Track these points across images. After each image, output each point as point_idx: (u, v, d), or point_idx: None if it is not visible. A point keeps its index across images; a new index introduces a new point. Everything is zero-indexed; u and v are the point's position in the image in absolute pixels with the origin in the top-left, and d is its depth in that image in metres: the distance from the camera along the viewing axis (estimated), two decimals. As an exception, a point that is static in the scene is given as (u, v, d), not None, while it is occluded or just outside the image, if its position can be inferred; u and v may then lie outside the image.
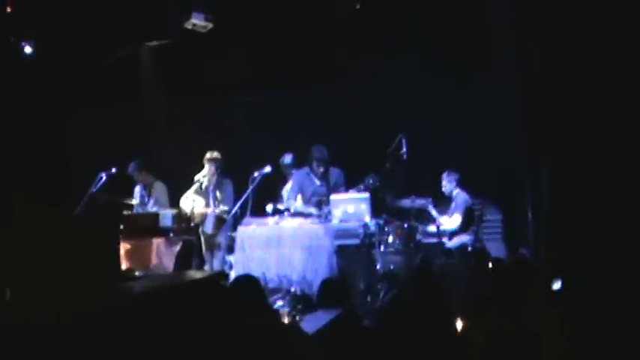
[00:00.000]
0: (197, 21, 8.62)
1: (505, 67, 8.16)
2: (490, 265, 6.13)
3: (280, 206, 8.13)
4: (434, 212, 8.02)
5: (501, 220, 8.54)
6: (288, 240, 7.00)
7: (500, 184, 8.41)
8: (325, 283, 5.07)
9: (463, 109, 8.71)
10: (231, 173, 8.19)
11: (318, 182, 7.76)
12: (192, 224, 7.97)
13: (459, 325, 4.47)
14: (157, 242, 7.82)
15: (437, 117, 8.65)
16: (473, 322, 4.40)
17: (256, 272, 6.34)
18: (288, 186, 8.18)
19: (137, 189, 8.66)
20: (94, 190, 8.09)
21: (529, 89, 7.73)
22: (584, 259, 5.56)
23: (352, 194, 7.49)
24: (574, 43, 6.24)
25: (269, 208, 8.07)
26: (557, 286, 5.08)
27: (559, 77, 6.59)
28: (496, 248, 7.96)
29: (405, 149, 7.52)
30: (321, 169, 7.68)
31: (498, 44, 8.25)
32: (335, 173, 7.77)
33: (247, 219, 7.42)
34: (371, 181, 7.42)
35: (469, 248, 7.85)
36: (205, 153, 8.11)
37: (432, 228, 8.03)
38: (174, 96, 9.86)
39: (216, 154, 8.09)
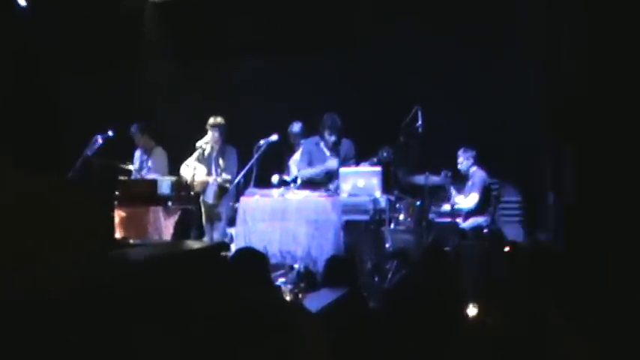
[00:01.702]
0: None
1: (530, 40, 8.07)
2: (506, 248, 6.11)
3: (287, 177, 8.11)
4: (452, 190, 7.98)
5: (520, 202, 8.51)
6: (293, 213, 6.97)
7: (519, 163, 8.36)
8: (331, 261, 5.05)
9: (482, 83, 8.64)
10: (236, 141, 8.16)
11: (328, 153, 7.71)
12: (192, 193, 7.95)
13: (470, 309, 4.46)
14: (155, 210, 7.82)
15: (454, 90, 8.58)
16: (485, 307, 4.38)
17: (258, 246, 6.22)
18: (296, 156, 8.15)
19: (137, 154, 8.65)
20: (89, 153, 8.07)
21: (554, 62, 7.64)
22: (609, 248, 5.50)
23: (363, 167, 7.45)
24: (604, 18, 6.14)
25: (275, 179, 8.05)
26: (577, 277, 5.03)
27: (587, 50, 6.51)
28: (513, 232, 7.94)
29: (420, 122, 7.47)
30: (333, 139, 7.63)
31: (523, 17, 8.15)
32: (346, 144, 7.73)
33: (251, 189, 7.40)
34: (385, 154, 7.37)
35: (484, 230, 7.81)
36: (209, 118, 8.07)
37: (445, 207, 8.00)
38: (179, 58, 9.81)
39: (219, 120, 8.06)
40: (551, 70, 7.70)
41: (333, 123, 7.62)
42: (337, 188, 7.38)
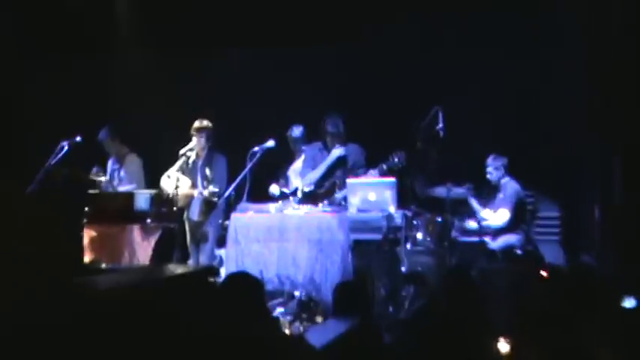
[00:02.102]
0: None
1: (570, 36, 8.09)
2: (544, 272, 6.08)
3: (285, 190, 8.09)
4: (474, 204, 7.97)
5: (559, 218, 8.50)
6: (292, 232, 6.96)
7: (558, 173, 8.34)
8: (340, 288, 5.03)
9: (513, 81, 8.65)
10: (225, 147, 8.14)
11: (329, 162, 7.72)
12: (174, 208, 7.92)
13: (502, 345, 4.44)
14: (130, 229, 7.79)
15: (480, 88, 8.59)
16: (520, 343, 4.37)
17: (252, 270, 6.28)
18: (296, 165, 8.14)
19: (109, 163, 8.64)
20: (53, 162, 8.05)
21: (598, 61, 7.67)
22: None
23: (374, 178, 7.43)
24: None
25: (274, 189, 8.04)
26: (628, 304, 5.01)
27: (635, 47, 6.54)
28: (551, 252, 7.93)
29: (441, 125, 7.45)
30: (336, 148, 7.64)
31: (564, 10, 8.18)
32: (353, 150, 7.72)
33: (243, 204, 7.38)
34: (396, 160, 7.37)
35: (518, 251, 7.79)
36: (193, 122, 8.06)
37: (471, 224, 7.98)
38: (157, 51, 9.81)
39: (206, 123, 8.05)
40: (596, 64, 7.71)
41: (334, 128, 7.66)
42: (343, 201, 7.38)
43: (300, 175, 7.97)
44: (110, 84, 9.81)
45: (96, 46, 9.72)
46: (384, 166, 7.47)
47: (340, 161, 7.73)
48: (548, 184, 8.40)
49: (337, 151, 7.67)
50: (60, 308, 2.31)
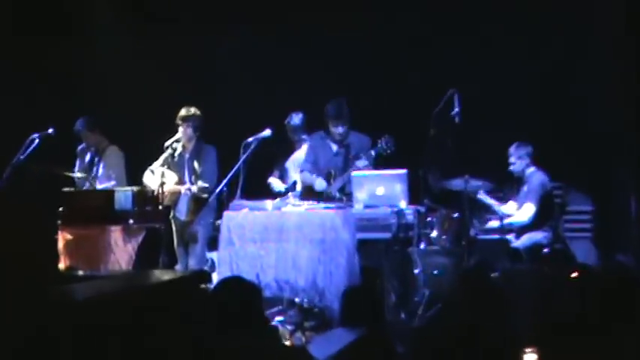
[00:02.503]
0: None
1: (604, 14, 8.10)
2: (574, 274, 6.08)
3: (281, 187, 8.11)
4: (487, 199, 7.98)
5: (591, 213, 8.51)
6: (292, 231, 6.95)
7: (589, 163, 8.34)
8: (349, 294, 5.05)
9: (538, 60, 8.67)
10: (215, 138, 8.15)
11: (335, 148, 7.73)
12: (159, 207, 7.93)
13: (528, 356, 4.45)
14: (111, 231, 7.81)
15: (501, 69, 8.61)
16: (548, 354, 4.37)
17: (248, 275, 6.32)
18: (297, 155, 8.18)
19: (86, 157, 8.65)
20: (22, 157, 8.06)
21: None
22: None
23: (382, 171, 7.45)
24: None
25: (275, 183, 8.06)
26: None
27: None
28: (583, 251, 7.95)
29: (457, 109, 7.46)
30: (340, 130, 7.64)
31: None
32: (357, 139, 7.73)
33: (237, 201, 7.38)
34: (384, 144, 7.40)
35: (544, 249, 7.80)
36: (179, 110, 8.07)
37: (493, 223, 8.01)
38: (138, 30, 9.80)
39: (193, 111, 8.06)
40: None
41: (338, 111, 7.65)
42: (340, 193, 7.42)
43: (300, 168, 7.97)
44: (85, 68, 9.81)
45: (69, 26, 9.71)
46: (372, 153, 7.48)
47: (344, 149, 7.73)
48: (578, 175, 8.39)
49: (319, 184, 7.67)
50: (31, 323, 2.29)
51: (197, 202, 7.91)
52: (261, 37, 9.35)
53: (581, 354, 4.08)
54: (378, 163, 7.56)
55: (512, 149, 8.11)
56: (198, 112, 8.06)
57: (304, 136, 8.20)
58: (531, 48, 8.64)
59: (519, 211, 7.99)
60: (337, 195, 7.52)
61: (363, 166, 7.51)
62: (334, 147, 7.80)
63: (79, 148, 8.67)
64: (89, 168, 8.59)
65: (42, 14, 9.56)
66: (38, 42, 9.58)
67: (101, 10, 10.00)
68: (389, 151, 7.49)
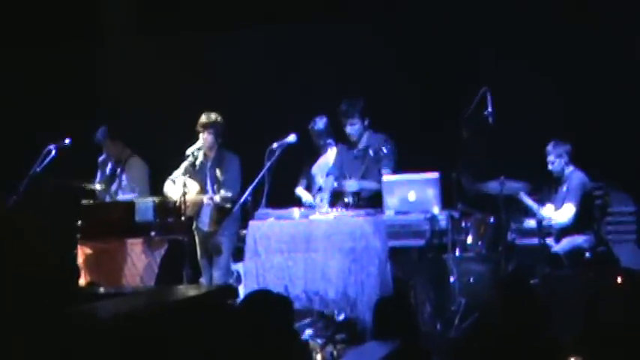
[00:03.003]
0: None
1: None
2: (619, 279, 6.03)
3: (308, 198, 8.13)
4: (528, 201, 7.94)
5: (635, 214, 8.46)
6: (321, 240, 6.94)
7: (631, 161, 8.29)
8: (381, 304, 5.03)
9: (574, 53, 8.61)
10: (238, 145, 8.15)
11: (354, 152, 7.76)
12: (182, 218, 7.94)
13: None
14: (132, 244, 7.84)
15: (536, 65, 8.58)
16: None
17: (276, 287, 6.32)
18: (323, 160, 8.21)
19: (107, 168, 8.67)
20: (39, 169, 8.10)
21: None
22: None
23: (414, 175, 7.43)
24: None
25: (304, 194, 8.06)
26: None
27: None
28: (627, 255, 7.89)
29: (490, 109, 7.43)
30: (350, 129, 7.67)
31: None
32: (375, 140, 7.70)
33: (262, 210, 7.38)
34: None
35: (587, 254, 7.75)
36: (200, 116, 8.08)
37: (530, 223, 7.94)
38: (155, 37, 9.83)
39: (214, 117, 8.06)
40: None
41: (347, 107, 7.66)
42: (352, 197, 7.44)
43: (327, 172, 7.97)
44: (101, 76, 9.86)
45: (83, 34, 9.77)
46: (385, 150, 7.50)
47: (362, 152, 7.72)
48: (620, 175, 8.34)
49: (351, 185, 7.65)
50: (49, 345, 2.28)
51: (220, 212, 7.91)
52: (284, 39, 9.37)
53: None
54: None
55: (550, 147, 8.06)
56: (219, 119, 8.06)
57: (329, 141, 8.19)
58: (568, 43, 8.59)
59: (559, 212, 7.94)
60: (351, 200, 7.48)
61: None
62: (354, 151, 7.81)
63: (100, 159, 8.68)
64: (110, 180, 8.60)
65: (55, 22, 9.61)
66: (52, 51, 9.65)
67: (116, 16, 10.03)
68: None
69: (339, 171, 7.84)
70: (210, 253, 8.04)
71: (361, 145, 7.76)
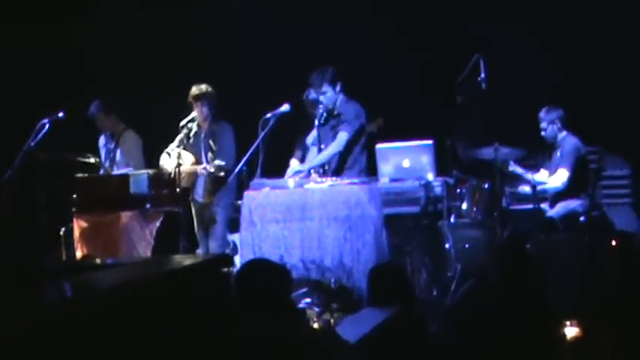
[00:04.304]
0: None
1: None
2: (613, 242, 6.06)
3: (300, 167, 8.11)
4: (518, 169, 7.93)
5: (630, 177, 8.48)
6: (316, 209, 6.94)
7: (625, 124, 8.27)
8: (376, 272, 5.04)
9: (568, 17, 8.59)
10: (231, 115, 8.14)
11: (323, 119, 7.64)
12: (177, 190, 7.94)
13: (569, 329, 4.45)
14: (127, 217, 7.84)
15: (527, 30, 8.57)
16: (590, 327, 4.37)
17: (272, 256, 6.34)
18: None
19: (101, 141, 8.66)
20: (32, 143, 8.08)
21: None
22: None
23: (408, 142, 7.43)
24: None
25: (295, 164, 8.04)
26: None
27: None
28: (622, 219, 7.92)
29: (483, 75, 7.43)
30: (327, 96, 7.52)
31: None
32: (344, 109, 7.58)
33: (257, 180, 7.37)
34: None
35: (581, 218, 7.72)
36: (191, 87, 8.06)
37: (525, 188, 7.94)
38: (145, 6, 9.79)
39: (204, 88, 8.02)
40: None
41: (317, 76, 7.53)
42: (322, 168, 7.41)
43: (309, 147, 7.95)
44: (93, 49, 9.81)
45: (74, 6, 9.72)
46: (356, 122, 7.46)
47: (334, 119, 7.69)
48: (614, 138, 8.34)
49: (343, 135, 7.55)
50: (41, 314, 2.28)
51: (215, 183, 7.90)
52: (277, 8, 9.33)
53: (623, 325, 4.07)
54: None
55: (542, 114, 8.05)
56: (210, 89, 8.02)
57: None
58: (560, 7, 8.57)
59: (553, 177, 7.95)
60: (320, 170, 7.46)
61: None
62: (324, 117, 7.65)
63: (101, 141, 8.67)
64: (105, 153, 8.59)
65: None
66: (44, 24, 9.60)
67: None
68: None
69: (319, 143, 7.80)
70: (207, 224, 8.05)
71: (335, 113, 7.67)
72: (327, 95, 7.57)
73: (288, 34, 9.19)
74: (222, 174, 7.79)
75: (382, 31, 8.99)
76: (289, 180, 7.31)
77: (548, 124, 8.03)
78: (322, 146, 7.53)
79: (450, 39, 8.59)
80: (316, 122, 7.56)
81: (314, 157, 7.60)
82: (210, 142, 8.03)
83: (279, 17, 9.31)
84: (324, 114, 7.59)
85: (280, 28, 9.25)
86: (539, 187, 7.84)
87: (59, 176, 8.16)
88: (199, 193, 8.00)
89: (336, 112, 7.61)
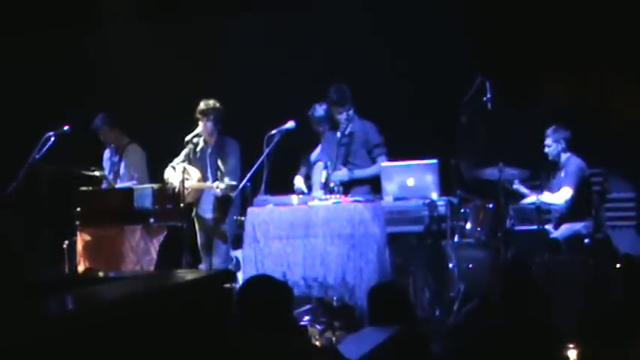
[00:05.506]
0: None
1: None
2: (618, 265, 6.05)
3: (300, 184, 8.12)
4: (522, 188, 7.94)
5: (634, 200, 8.46)
6: (320, 226, 6.95)
7: (630, 148, 8.28)
8: (377, 290, 5.03)
9: (572, 43, 8.59)
10: (236, 130, 8.15)
11: (338, 137, 7.69)
12: (181, 205, 7.94)
13: (570, 353, 4.44)
14: (131, 231, 7.82)
15: (533, 51, 8.63)
16: (591, 350, 4.36)
17: (275, 273, 6.32)
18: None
19: (105, 154, 8.67)
20: (37, 156, 8.09)
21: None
22: None
23: (413, 161, 7.43)
24: None
25: (300, 182, 8.05)
26: None
27: None
28: (626, 241, 7.88)
29: (489, 95, 7.44)
30: (345, 116, 7.61)
31: None
32: (360, 127, 7.70)
33: (261, 197, 7.39)
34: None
35: (586, 239, 7.75)
36: (198, 103, 8.07)
37: (529, 199, 7.94)
38: (153, 19, 9.82)
39: (212, 104, 8.03)
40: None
41: (341, 95, 7.66)
42: (338, 186, 7.44)
43: (315, 162, 7.97)
44: (99, 62, 9.84)
45: (80, 19, 9.75)
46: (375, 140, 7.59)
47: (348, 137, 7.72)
48: (619, 160, 8.33)
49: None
50: (37, 328, 2.28)
51: (225, 202, 7.89)
52: (283, 25, 9.35)
53: (625, 349, 4.06)
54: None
55: (549, 132, 8.07)
56: (217, 105, 8.03)
57: (329, 128, 8.19)
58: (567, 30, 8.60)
59: (555, 194, 7.95)
60: (335, 189, 7.48)
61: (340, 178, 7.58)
62: (338, 135, 7.71)
63: (105, 155, 8.68)
64: (110, 166, 8.60)
65: (52, 7, 9.59)
66: (49, 37, 9.63)
67: (114, 1, 10.01)
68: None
69: (328, 157, 7.82)
70: (211, 239, 8.04)
71: (347, 131, 7.72)
72: (350, 113, 7.62)
73: (294, 50, 9.20)
74: (229, 192, 7.79)
75: (386, 50, 9.00)
76: (293, 197, 7.32)
77: (553, 142, 8.05)
78: (329, 163, 7.65)
79: (456, 60, 8.59)
80: (338, 135, 7.67)
81: (336, 173, 7.63)
82: (217, 158, 8.03)
83: (284, 33, 9.32)
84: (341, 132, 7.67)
85: (286, 44, 9.26)
86: (541, 199, 7.83)
87: (63, 189, 8.16)
88: (207, 210, 7.98)
89: (348, 132, 7.65)
